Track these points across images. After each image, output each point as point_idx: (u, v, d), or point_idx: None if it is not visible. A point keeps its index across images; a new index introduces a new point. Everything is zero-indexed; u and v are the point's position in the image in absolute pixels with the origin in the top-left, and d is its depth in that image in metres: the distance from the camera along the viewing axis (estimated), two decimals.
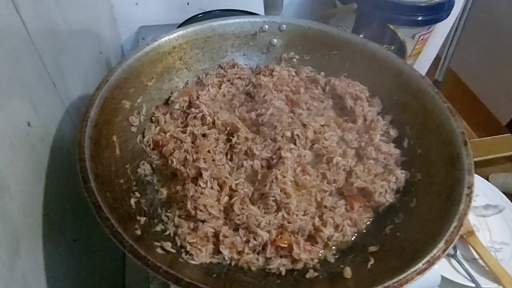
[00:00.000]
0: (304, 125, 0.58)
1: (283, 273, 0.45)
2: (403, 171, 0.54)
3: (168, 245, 0.44)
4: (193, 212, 0.47)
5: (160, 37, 0.61)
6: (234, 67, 0.68)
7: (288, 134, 0.56)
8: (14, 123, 0.36)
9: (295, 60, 0.70)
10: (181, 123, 0.59)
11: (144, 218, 0.46)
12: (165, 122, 0.59)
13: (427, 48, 0.97)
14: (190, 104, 0.61)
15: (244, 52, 0.70)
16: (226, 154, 0.55)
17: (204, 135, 0.56)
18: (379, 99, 0.64)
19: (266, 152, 0.54)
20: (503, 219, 0.76)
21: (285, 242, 0.46)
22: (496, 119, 1.44)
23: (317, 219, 0.49)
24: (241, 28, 0.68)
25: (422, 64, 1.11)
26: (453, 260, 0.69)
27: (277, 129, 0.56)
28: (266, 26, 0.68)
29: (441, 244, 0.39)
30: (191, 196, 0.48)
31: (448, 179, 0.48)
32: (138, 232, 0.43)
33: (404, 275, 0.37)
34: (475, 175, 0.46)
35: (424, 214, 0.48)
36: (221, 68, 0.69)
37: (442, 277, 0.53)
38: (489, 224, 0.76)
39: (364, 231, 0.51)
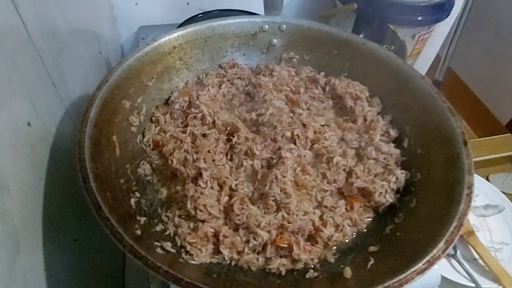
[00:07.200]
0: (304, 125, 0.58)
1: (283, 273, 0.45)
2: (403, 171, 0.54)
3: (168, 245, 0.44)
4: (193, 212, 0.47)
5: (160, 37, 0.61)
6: (234, 67, 0.68)
7: (288, 134, 0.56)
8: (14, 123, 0.36)
9: (295, 60, 0.70)
10: (181, 123, 0.59)
11: (144, 218, 0.46)
12: (165, 122, 0.59)
13: (427, 48, 0.97)
14: (190, 104, 0.61)
15: (244, 52, 0.70)
16: (226, 154, 0.55)
17: (204, 135, 0.56)
18: (379, 99, 0.64)
19: (266, 152, 0.54)
20: (503, 219, 0.76)
21: (285, 242, 0.46)
22: (496, 119, 1.44)
23: (317, 219, 0.49)
24: (241, 28, 0.68)
25: (422, 64, 1.11)
26: (453, 260, 0.69)
27: (277, 129, 0.56)
28: (266, 26, 0.68)
29: (441, 244, 0.39)
30: (191, 196, 0.48)
31: (448, 179, 0.48)
32: (138, 232, 0.43)
33: (404, 275, 0.37)
34: (475, 175, 0.46)
35: (424, 214, 0.48)
36: (221, 68, 0.69)
37: (442, 277, 0.53)
38: (489, 224, 0.76)
39: (364, 231, 0.51)
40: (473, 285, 0.64)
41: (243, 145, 0.54)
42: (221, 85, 0.65)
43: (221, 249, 0.46)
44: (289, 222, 0.47)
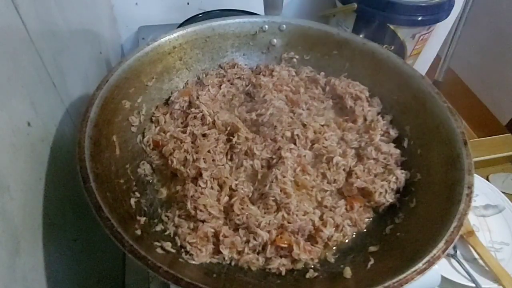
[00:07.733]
0: (304, 125, 0.58)
1: (283, 273, 0.45)
2: (403, 171, 0.54)
3: (168, 245, 0.44)
4: (193, 212, 0.47)
5: (160, 37, 0.61)
6: (234, 67, 0.68)
7: (288, 134, 0.56)
8: (14, 123, 0.36)
9: (295, 60, 0.70)
10: (181, 123, 0.59)
11: (144, 218, 0.46)
12: (165, 122, 0.59)
13: (427, 48, 0.97)
14: (190, 104, 0.61)
15: (244, 52, 0.70)
16: (226, 154, 0.55)
17: (204, 135, 0.56)
18: (379, 99, 0.64)
19: (266, 152, 0.54)
20: (503, 219, 0.77)
21: (285, 242, 0.46)
22: (496, 119, 1.44)
23: (317, 219, 0.49)
24: (241, 28, 0.68)
25: (422, 64, 1.11)
26: (453, 260, 0.69)
27: (277, 129, 0.56)
28: (266, 26, 0.68)
29: (441, 244, 0.39)
30: (191, 196, 0.48)
31: (448, 179, 0.48)
32: (138, 232, 0.43)
33: (404, 275, 0.37)
34: (475, 175, 0.46)
35: (424, 214, 0.48)
36: (221, 68, 0.69)
37: (442, 277, 0.53)
38: (489, 224, 0.76)
39: (364, 231, 0.51)
40: (473, 285, 0.64)
41: (243, 145, 0.54)
42: (221, 85, 0.65)
43: (221, 249, 0.46)
44: (289, 222, 0.47)
